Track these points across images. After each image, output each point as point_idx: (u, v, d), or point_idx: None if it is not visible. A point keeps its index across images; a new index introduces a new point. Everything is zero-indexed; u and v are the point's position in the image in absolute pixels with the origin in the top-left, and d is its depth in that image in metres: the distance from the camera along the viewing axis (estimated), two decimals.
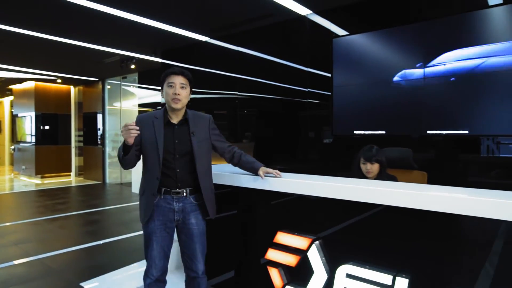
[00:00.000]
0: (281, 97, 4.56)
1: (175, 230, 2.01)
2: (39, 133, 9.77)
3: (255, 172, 2.07)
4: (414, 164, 2.62)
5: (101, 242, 4.01)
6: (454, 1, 3.39)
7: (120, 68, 7.06)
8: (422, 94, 3.36)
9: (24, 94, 10.16)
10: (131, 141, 1.82)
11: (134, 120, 1.96)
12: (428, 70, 3.36)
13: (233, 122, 5.34)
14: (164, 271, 1.98)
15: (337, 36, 4.02)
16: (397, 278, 1.54)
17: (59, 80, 9.48)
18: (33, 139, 9.79)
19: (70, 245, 3.87)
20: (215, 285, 2.49)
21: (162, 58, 6.30)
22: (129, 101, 9.44)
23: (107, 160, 9.23)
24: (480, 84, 3.08)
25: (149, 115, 2.00)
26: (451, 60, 3.23)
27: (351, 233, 1.80)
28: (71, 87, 10.30)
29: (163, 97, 1.98)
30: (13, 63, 7.42)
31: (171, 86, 1.92)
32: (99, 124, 9.33)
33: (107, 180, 9.16)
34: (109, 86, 9.47)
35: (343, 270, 1.71)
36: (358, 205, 1.68)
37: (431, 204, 1.45)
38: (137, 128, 1.81)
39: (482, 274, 1.39)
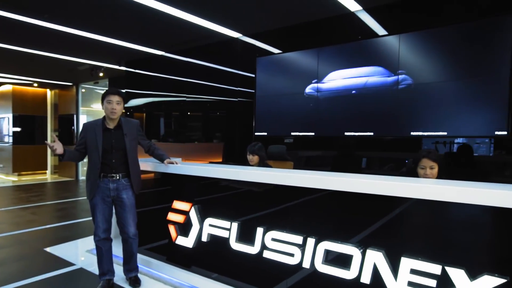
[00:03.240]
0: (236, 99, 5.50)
1: (113, 205, 2.86)
2: (16, 134, 10.46)
3: (162, 161, 3.01)
4: (287, 157, 3.62)
5: (65, 223, 4.88)
6: (347, 31, 4.34)
7: (90, 75, 7.89)
8: (311, 106, 4.38)
9: (1, 96, 10.81)
10: (59, 152, 2.68)
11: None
12: (319, 85, 4.37)
13: (205, 123, 6.19)
14: (107, 231, 2.81)
15: (260, 55, 5.00)
16: (233, 224, 2.52)
17: (35, 84, 10.19)
18: (11, 139, 10.46)
19: (39, 225, 4.73)
20: (149, 249, 3.40)
21: (127, 67, 7.19)
22: None
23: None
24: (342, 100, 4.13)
25: (92, 123, 2.88)
26: (335, 78, 4.25)
27: (215, 198, 2.77)
28: (47, 90, 11.01)
29: (103, 109, 2.85)
30: None
31: (109, 102, 2.80)
32: (74, 125, 10.12)
33: (80, 177, 9.94)
34: (83, 90, 10.26)
35: (207, 222, 2.68)
36: (218, 180, 2.65)
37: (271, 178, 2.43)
38: (54, 143, 2.66)
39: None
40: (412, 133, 3.45)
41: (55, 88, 10.74)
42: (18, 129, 10.49)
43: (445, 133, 3.15)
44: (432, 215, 1.87)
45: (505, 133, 3.11)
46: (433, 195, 1.70)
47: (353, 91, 4.05)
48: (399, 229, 1.94)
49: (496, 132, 3.00)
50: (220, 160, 5.63)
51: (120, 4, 4.01)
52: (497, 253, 1.69)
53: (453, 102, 3.34)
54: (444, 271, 1.68)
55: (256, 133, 4.92)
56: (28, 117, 10.71)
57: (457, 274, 1.64)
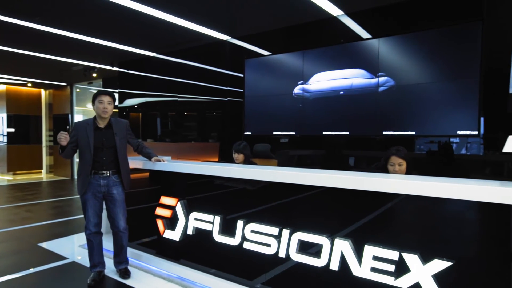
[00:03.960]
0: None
1: (104, 200, 3.01)
2: (11, 133, 10.54)
3: (149, 159, 3.17)
4: (271, 155, 3.79)
5: (60, 220, 5.01)
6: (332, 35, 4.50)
7: (83, 76, 8.01)
8: (297, 107, 4.54)
9: None
10: (64, 143, 2.84)
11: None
12: (305, 87, 4.54)
13: (201, 123, 6.33)
14: (98, 225, 2.97)
15: (248, 57, 5.17)
16: (215, 217, 2.68)
17: (29, 84, 10.28)
18: (5, 139, 10.54)
19: (34, 222, 4.86)
20: (140, 244, 3.55)
21: (120, 68, 7.32)
22: None
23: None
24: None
25: (83, 122, 3.02)
26: (319, 80, 4.42)
27: (199, 193, 2.93)
28: (42, 90, 11.09)
29: (94, 109, 2.99)
30: None
31: (101, 102, 2.94)
32: (69, 125, 10.23)
33: (75, 176, 10.05)
34: (78, 90, 10.37)
35: (192, 216, 2.85)
36: (201, 176, 2.82)
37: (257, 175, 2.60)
38: (65, 134, 2.81)
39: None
40: (384, 133, 3.63)
41: (50, 88, 10.83)
42: (12, 129, 10.58)
43: (413, 133, 3.33)
44: (393, 207, 2.05)
45: (476, 132, 3.31)
46: (398, 190, 1.89)
47: (341, 92, 4.22)
48: (364, 220, 2.11)
49: (458, 132, 3.19)
50: (217, 159, 5.76)
51: (112, 8, 4.15)
52: (447, 239, 1.87)
53: (426, 103, 3.52)
54: (401, 256, 1.85)
55: (245, 133, 5.08)
56: (22, 117, 10.80)
57: (411, 259, 1.81)
